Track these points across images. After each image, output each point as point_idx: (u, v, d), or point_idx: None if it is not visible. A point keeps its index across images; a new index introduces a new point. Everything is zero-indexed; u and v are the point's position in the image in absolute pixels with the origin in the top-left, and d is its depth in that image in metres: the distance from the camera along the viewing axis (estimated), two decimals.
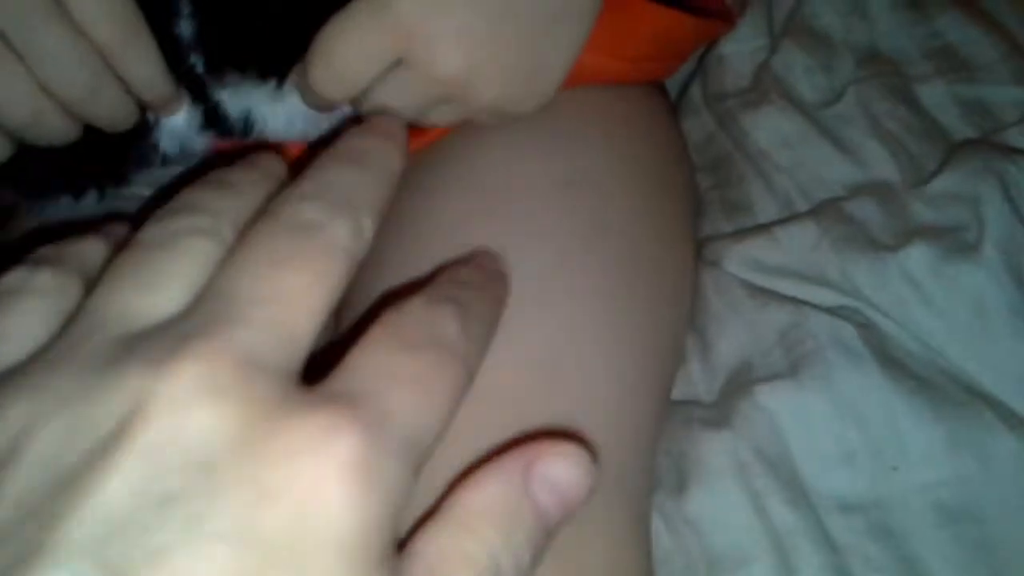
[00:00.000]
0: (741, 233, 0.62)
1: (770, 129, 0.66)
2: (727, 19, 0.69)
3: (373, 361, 0.25)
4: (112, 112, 0.44)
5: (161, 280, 0.26)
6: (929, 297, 0.55)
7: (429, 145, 0.54)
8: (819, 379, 0.54)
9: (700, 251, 0.64)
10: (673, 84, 0.78)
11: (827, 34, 0.71)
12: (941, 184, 0.58)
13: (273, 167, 0.33)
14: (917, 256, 0.55)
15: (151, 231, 0.28)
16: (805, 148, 0.65)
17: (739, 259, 0.61)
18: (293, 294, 0.25)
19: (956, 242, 0.55)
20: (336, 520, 0.21)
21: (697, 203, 0.67)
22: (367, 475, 0.22)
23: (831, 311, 0.57)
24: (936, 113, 0.64)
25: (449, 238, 0.49)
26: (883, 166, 0.62)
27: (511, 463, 0.27)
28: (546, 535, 0.26)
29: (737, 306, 0.59)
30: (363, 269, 0.50)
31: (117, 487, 0.21)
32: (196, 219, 0.28)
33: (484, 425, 0.39)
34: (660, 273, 0.54)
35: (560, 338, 0.47)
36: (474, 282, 0.33)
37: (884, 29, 0.71)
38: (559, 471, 0.26)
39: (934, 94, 0.66)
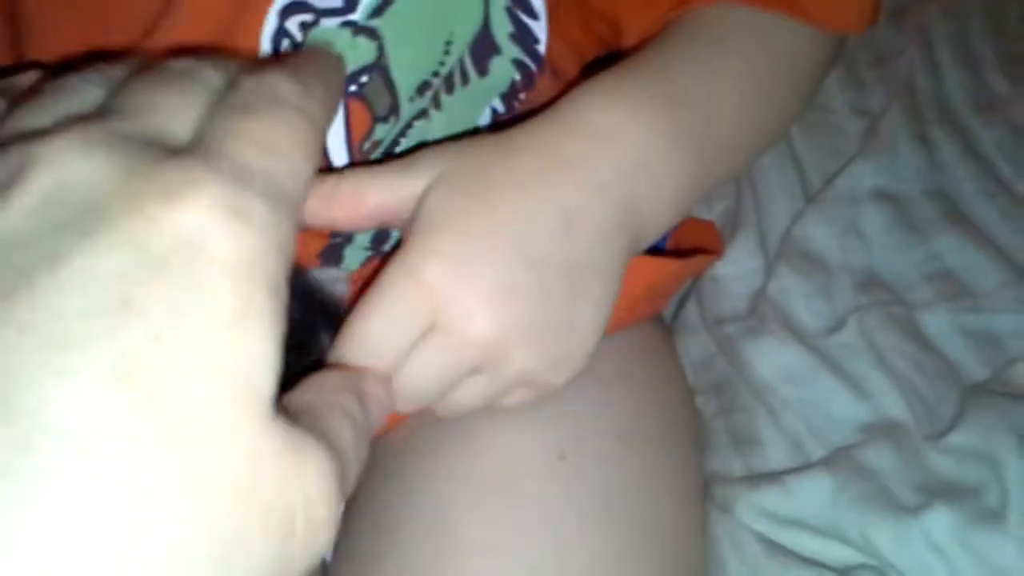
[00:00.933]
0: (754, 479, 0.59)
1: (772, 361, 0.64)
2: (714, 250, 0.68)
3: (216, 127, 0.27)
4: None
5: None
6: (954, 567, 0.51)
7: (403, 427, 0.51)
8: None
9: (709, 490, 0.61)
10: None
11: (822, 257, 0.70)
12: (958, 439, 0.55)
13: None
14: (940, 521, 0.52)
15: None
16: (811, 384, 0.63)
17: (753, 509, 0.57)
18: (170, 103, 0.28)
19: (979, 508, 0.52)
20: (219, 243, 0.24)
21: (701, 436, 0.64)
22: (239, 212, 0.24)
23: (850, 572, 0.54)
24: (943, 346, 0.63)
25: (433, 531, 0.45)
26: (894, 406, 0.60)
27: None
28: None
29: (753, 565, 0.56)
30: (341, 562, 0.47)
31: (15, 214, 0.23)
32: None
33: None
34: (672, 541, 0.51)
35: None
36: (307, 58, 0.34)
37: (880, 251, 0.70)
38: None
39: (939, 323, 0.64)
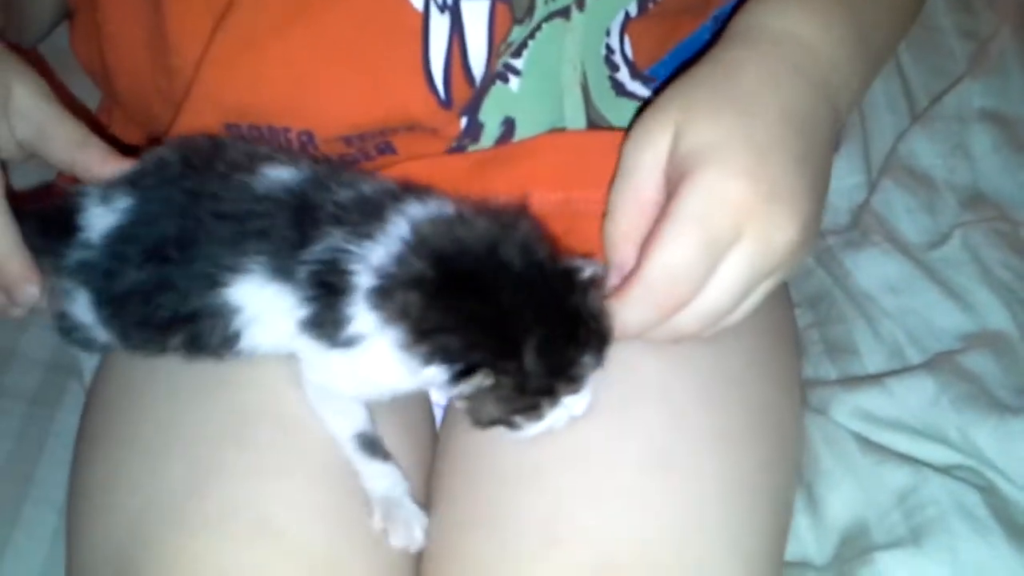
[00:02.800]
0: (850, 381, 0.60)
1: (874, 271, 0.65)
2: None
3: None
4: None
5: None
6: None
7: None
8: (943, 549, 0.52)
9: (805, 395, 0.63)
10: None
11: (928, 174, 0.70)
12: None
13: None
14: None
15: None
16: (913, 294, 0.63)
17: (849, 410, 0.59)
18: None
19: None
20: None
21: (799, 343, 0.66)
22: None
23: (949, 471, 0.55)
24: None
25: None
26: (997, 317, 0.61)
27: None
28: None
29: (849, 461, 0.57)
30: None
31: None
32: None
33: None
34: (777, 427, 0.53)
35: (684, 504, 0.46)
36: None
37: (986, 170, 0.70)
38: None
39: None
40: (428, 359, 0.42)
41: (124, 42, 0.55)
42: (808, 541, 0.57)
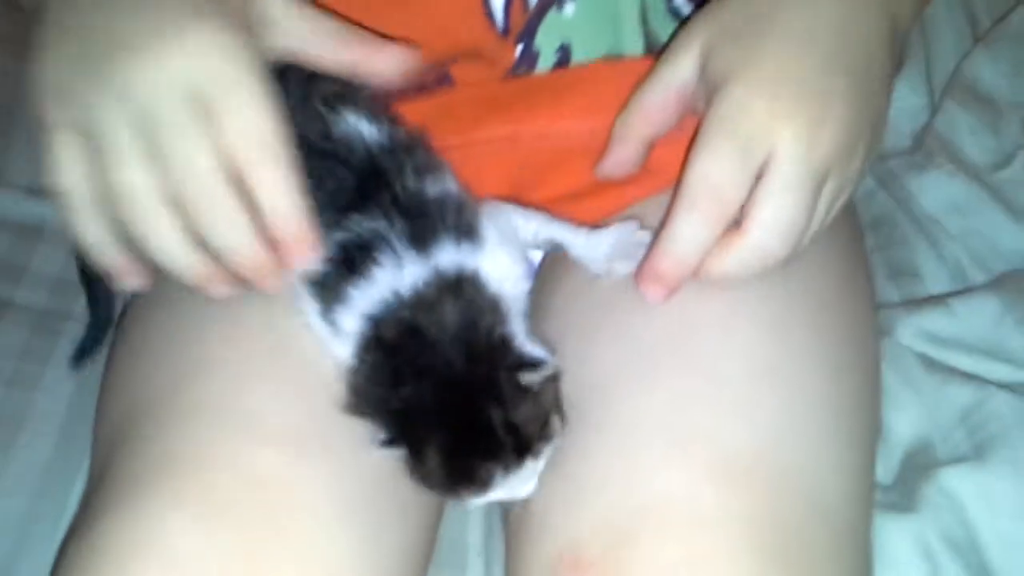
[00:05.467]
0: (913, 303, 0.61)
1: (938, 193, 0.65)
2: None
3: None
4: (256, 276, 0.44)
5: None
6: None
7: None
8: (1007, 463, 0.53)
9: None
10: None
11: (991, 95, 0.70)
12: None
13: None
14: None
15: None
16: (977, 215, 0.64)
17: (913, 331, 0.59)
18: None
19: None
20: None
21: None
22: None
23: (1013, 388, 0.56)
24: None
25: (647, 310, 0.48)
26: None
27: None
28: None
29: (913, 381, 0.58)
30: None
31: None
32: None
33: None
34: (867, 347, 0.54)
35: (793, 416, 0.46)
36: None
37: None
38: None
39: None
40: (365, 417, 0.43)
41: None
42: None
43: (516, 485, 0.44)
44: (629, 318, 0.49)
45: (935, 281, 0.63)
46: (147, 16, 0.41)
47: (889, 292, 0.65)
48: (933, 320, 0.59)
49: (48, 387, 0.63)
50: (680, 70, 0.47)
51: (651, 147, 0.50)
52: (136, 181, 0.41)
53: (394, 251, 0.44)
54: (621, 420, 0.46)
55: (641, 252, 0.48)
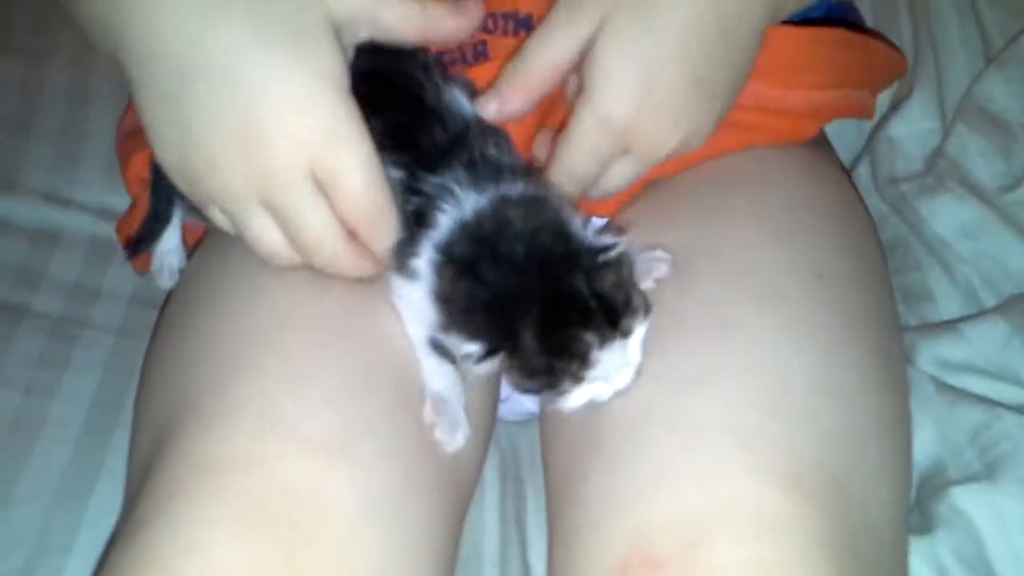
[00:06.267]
0: (927, 328, 0.62)
1: (949, 217, 0.66)
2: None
3: None
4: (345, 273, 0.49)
5: None
6: None
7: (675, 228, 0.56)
8: (1017, 482, 0.53)
9: None
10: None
11: (1003, 117, 0.70)
12: None
13: None
14: None
15: None
16: (987, 238, 0.64)
17: (925, 355, 0.60)
18: None
19: None
20: None
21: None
22: None
23: (1022, 409, 0.56)
24: None
25: (711, 318, 0.50)
26: None
27: None
28: None
29: (927, 403, 0.58)
30: None
31: None
32: None
33: None
34: (900, 363, 0.55)
35: (851, 430, 0.47)
36: None
37: None
38: None
39: None
40: (462, 340, 0.45)
41: None
42: None
43: (614, 367, 0.45)
44: (691, 322, 0.50)
45: (948, 304, 0.63)
46: (237, 80, 0.45)
47: (904, 316, 0.65)
48: (944, 345, 0.60)
49: (65, 394, 0.63)
50: (571, 44, 0.49)
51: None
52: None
53: (458, 198, 0.47)
54: (686, 418, 0.46)
55: (659, 266, 0.51)
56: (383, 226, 0.47)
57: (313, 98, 0.45)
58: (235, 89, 0.45)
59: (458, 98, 0.51)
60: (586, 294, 0.44)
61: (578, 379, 0.45)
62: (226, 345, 0.49)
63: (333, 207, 0.46)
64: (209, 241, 0.59)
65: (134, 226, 0.63)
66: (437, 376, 0.50)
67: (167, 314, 0.57)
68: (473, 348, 0.44)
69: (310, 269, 0.49)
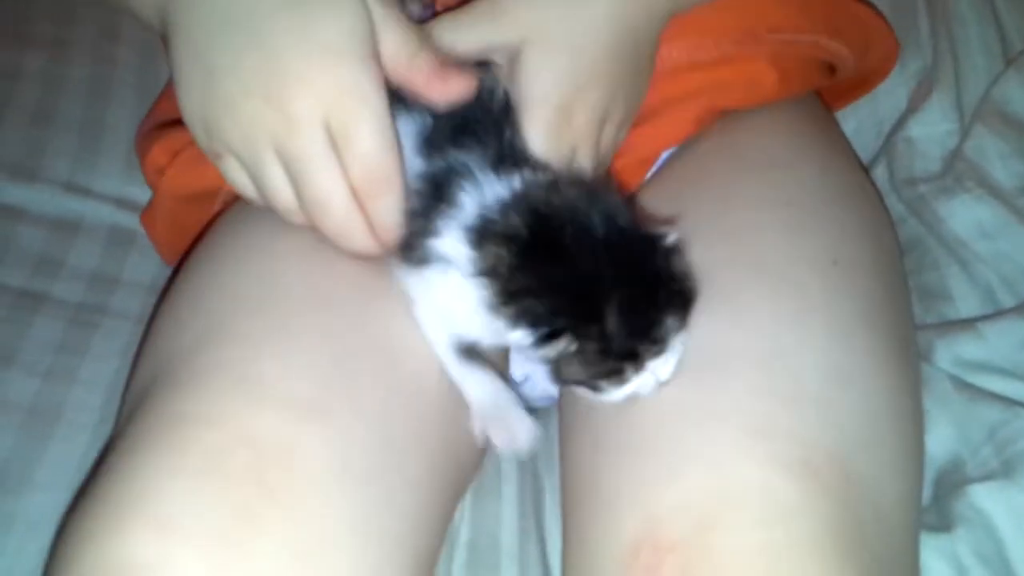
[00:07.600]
0: (945, 327, 0.62)
1: (967, 217, 0.66)
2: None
3: None
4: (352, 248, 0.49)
5: None
6: None
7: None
8: None
9: None
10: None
11: (1021, 119, 0.70)
12: None
13: None
14: None
15: None
16: (1005, 238, 0.64)
17: (944, 354, 0.60)
18: None
19: None
20: None
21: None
22: None
23: None
24: None
25: (725, 304, 0.50)
26: None
27: None
28: None
29: (943, 400, 0.58)
30: None
31: None
32: None
33: None
34: (913, 354, 0.55)
35: (862, 419, 0.47)
36: None
37: None
38: None
39: None
40: (514, 322, 0.43)
41: None
42: None
43: (668, 357, 0.45)
44: (704, 308, 0.49)
45: (966, 304, 0.64)
46: (265, 29, 0.46)
47: (921, 315, 0.65)
48: (962, 344, 0.60)
49: (85, 380, 0.64)
50: (497, 35, 0.51)
51: None
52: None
53: (480, 178, 0.47)
54: (698, 404, 0.46)
55: None
56: (389, 194, 0.47)
57: (337, 53, 0.45)
58: (262, 38, 0.46)
59: (497, 85, 0.51)
60: (666, 277, 0.44)
61: (641, 368, 0.44)
62: (214, 308, 0.50)
63: (343, 167, 0.46)
64: (223, 217, 0.59)
65: (157, 217, 0.64)
66: (478, 386, 0.49)
67: (169, 286, 0.58)
68: (532, 331, 0.43)
69: (318, 246, 0.49)
